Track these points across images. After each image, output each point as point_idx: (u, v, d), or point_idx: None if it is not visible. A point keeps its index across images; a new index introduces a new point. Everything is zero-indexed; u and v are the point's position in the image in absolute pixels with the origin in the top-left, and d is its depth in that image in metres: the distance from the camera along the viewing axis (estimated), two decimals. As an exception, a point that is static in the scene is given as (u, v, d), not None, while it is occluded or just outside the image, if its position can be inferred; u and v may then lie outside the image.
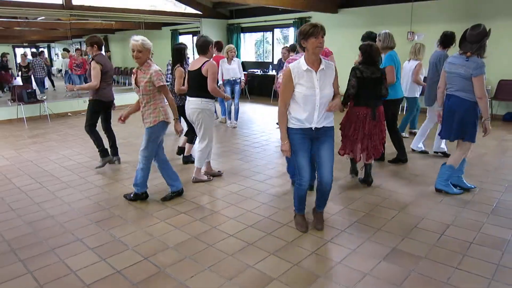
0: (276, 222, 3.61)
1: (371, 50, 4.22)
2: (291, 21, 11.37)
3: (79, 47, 14.02)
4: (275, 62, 11.10)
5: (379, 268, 2.84)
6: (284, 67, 3.93)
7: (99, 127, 5.25)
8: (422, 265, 2.88)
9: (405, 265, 2.88)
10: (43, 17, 11.21)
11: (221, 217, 3.75)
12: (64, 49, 14.45)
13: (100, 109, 5.18)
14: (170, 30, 14.27)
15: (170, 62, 7.39)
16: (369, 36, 5.17)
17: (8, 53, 13.99)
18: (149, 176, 4.12)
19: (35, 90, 9.30)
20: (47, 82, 13.65)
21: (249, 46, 13.86)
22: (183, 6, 11.58)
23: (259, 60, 13.55)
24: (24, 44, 17.70)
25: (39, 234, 3.45)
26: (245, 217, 3.74)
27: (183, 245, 3.22)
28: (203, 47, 4.38)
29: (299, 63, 3.07)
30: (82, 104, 9.78)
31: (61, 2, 9.07)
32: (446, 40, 5.32)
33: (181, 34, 14.29)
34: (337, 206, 3.95)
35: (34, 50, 16.03)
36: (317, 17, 10.82)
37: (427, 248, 3.11)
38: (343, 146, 4.46)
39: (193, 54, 14.59)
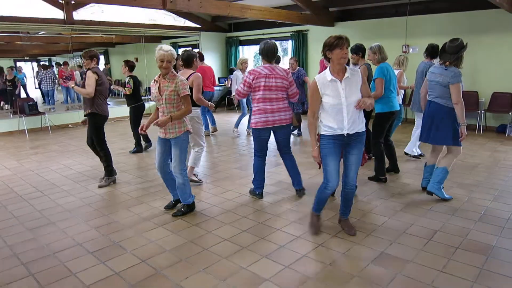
0: (270, 227, 3.74)
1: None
2: (289, 34, 11.62)
3: (67, 61, 14.19)
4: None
5: (367, 270, 2.97)
6: (243, 77, 4.37)
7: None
8: (409, 268, 3.00)
9: (392, 268, 3.00)
10: (44, 32, 11.43)
11: (217, 223, 3.88)
12: (56, 63, 14.56)
13: (103, 123, 5.16)
14: (170, 43, 14.50)
15: None
16: (360, 48, 5.36)
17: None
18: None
19: (36, 102, 9.47)
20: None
21: (249, 59, 14.08)
22: (183, 19, 11.84)
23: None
24: (26, 58, 17.91)
25: (40, 239, 3.58)
26: (239, 223, 3.86)
27: (179, 249, 3.34)
28: (188, 60, 4.72)
29: (324, 74, 3.24)
30: (83, 116, 9.92)
31: (62, 17, 9.31)
32: (433, 51, 5.58)
33: (180, 47, 14.53)
34: (330, 211, 4.07)
35: (44, 63, 16.24)
36: (314, 30, 11.07)
37: (414, 253, 3.24)
38: None
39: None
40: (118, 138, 8.23)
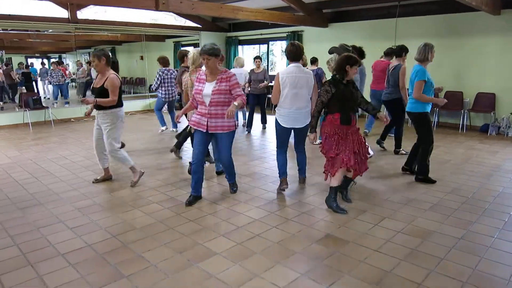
0: (231, 211, 4.14)
1: None
2: (285, 35, 11.99)
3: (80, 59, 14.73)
4: (271, 73, 11.65)
5: (310, 248, 3.35)
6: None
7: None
8: (347, 247, 3.37)
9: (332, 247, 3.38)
10: (52, 30, 11.97)
11: (191, 208, 4.29)
12: (53, 62, 14.88)
13: None
14: (173, 42, 14.99)
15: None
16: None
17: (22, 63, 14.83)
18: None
19: (40, 97, 10.00)
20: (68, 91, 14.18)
21: (249, 58, 14.47)
22: (183, 19, 12.27)
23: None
24: (36, 55, 18.58)
25: (28, 217, 4.03)
26: (208, 207, 4.27)
27: (148, 227, 3.76)
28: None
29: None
30: (85, 110, 10.42)
31: (67, 16, 9.82)
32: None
33: (183, 46, 14.99)
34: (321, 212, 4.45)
35: (54, 60, 16.80)
36: (309, 31, 11.42)
37: (357, 235, 3.61)
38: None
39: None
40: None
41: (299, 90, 4.36)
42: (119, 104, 4.83)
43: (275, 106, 4.58)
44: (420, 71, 4.80)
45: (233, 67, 8.87)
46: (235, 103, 3.99)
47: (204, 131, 4.18)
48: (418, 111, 4.95)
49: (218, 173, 5.42)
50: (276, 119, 4.57)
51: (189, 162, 5.35)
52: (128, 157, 5.03)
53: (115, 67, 5.00)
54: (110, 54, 4.90)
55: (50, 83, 13.25)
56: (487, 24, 8.32)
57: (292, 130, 4.59)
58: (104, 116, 4.77)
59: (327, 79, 4.48)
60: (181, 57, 6.73)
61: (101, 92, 4.69)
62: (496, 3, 7.63)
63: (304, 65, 7.67)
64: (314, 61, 8.27)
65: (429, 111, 4.99)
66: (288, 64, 4.53)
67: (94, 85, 4.88)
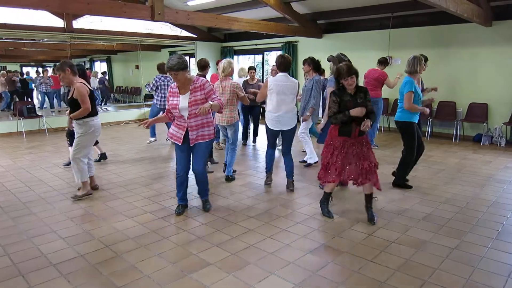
0: (225, 220, 4.13)
1: None
2: (280, 45, 12.06)
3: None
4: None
5: (304, 259, 3.35)
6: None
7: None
8: (342, 257, 3.37)
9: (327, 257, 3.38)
10: (47, 39, 11.98)
11: (180, 216, 4.27)
12: (44, 70, 14.84)
13: None
14: (169, 51, 15.02)
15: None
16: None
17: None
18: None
19: (34, 105, 9.97)
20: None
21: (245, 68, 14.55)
22: (179, 29, 12.33)
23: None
24: (31, 64, 18.55)
25: (20, 226, 3.99)
26: (202, 217, 4.25)
27: (141, 237, 3.74)
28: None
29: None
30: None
31: (62, 26, 9.84)
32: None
33: (179, 55, 15.03)
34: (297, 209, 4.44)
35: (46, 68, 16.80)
36: (304, 41, 11.51)
37: (351, 245, 3.61)
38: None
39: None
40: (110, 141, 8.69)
41: (284, 97, 4.87)
42: (93, 113, 4.73)
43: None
44: (408, 83, 4.94)
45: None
46: (211, 102, 3.89)
47: (180, 144, 4.10)
48: (405, 120, 5.07)
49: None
50: (265, 123, 5.14)
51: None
52: (87, 172, 4.91)
53: (84, 75, 4.93)
54: (72, 62, 4.77)
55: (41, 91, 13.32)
56: (479, 36, 8.43)
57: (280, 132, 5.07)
58: (77, 126, 4.73)
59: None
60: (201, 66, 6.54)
61: (72, 103, 4.64)
62: (487, 15, 7.74)
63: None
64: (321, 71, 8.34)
65: (416, 122, 5.12)
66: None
67: (68, 96, 4.82)
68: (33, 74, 16.57)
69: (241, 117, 8.11)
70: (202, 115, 3.91)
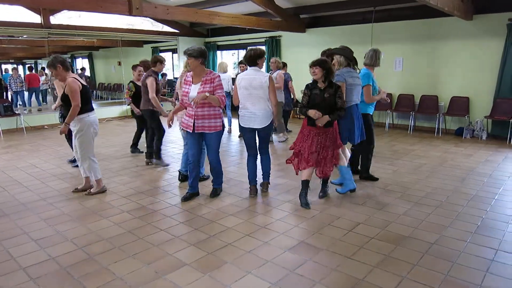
0: (203, 219, 4.05)
1: None
2: (263, 40, 11.96)
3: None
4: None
5: (282, 257, 3.28)
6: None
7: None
8: (320, 255, 3.32)
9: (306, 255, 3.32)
10: (26, 36, 11.70)
11: (158, 215, 4.18)
12: (13, 69, 14.54)
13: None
14: (151, 47, 14.83)
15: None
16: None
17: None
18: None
19: (11, 103, 9.72)
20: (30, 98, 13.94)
21: (229, 64, 14.42)
22: (160, 25, 12.14)
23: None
24: (11, 61, 18.12)
25: (-9, 229, 3.86)
26: (181, 216, 4.16)
27: (116, 238, 3.64)
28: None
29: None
30: (59, 117, 10.18)
31: (39, 21, 9.59)
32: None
33: (161, 51, 14.84)
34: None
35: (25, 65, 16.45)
36: (287, 36, 11.43)
37: (329, 241, 3.56)
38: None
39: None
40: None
41: (252, 91, 4.54)
42: (87, 108, 4.61)
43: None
44: (365, 75, 4.90)
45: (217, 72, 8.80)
46: (207, 94, 4.15)
47: (191, 131, 4.37)
48: (361, 112, 5.00)
49: (201, 179, 5.30)
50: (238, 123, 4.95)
51: (178, 171, 5.51)
52: (99, 170, 4.92)
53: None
54: (64, 58, 4.60)
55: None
56: (460, 29, 8.45)
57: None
58: (72, 124, 4.61)
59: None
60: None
61: (65, 99, 4.52)
62: (468, 8, 7.75)
63: (278, 68, 7.76)
64: (283, 66, 8.27)
65: (371, 113, 5.20)
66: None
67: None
68: (12, 72, 16.24)
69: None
70: (196, 101, 4.13)
